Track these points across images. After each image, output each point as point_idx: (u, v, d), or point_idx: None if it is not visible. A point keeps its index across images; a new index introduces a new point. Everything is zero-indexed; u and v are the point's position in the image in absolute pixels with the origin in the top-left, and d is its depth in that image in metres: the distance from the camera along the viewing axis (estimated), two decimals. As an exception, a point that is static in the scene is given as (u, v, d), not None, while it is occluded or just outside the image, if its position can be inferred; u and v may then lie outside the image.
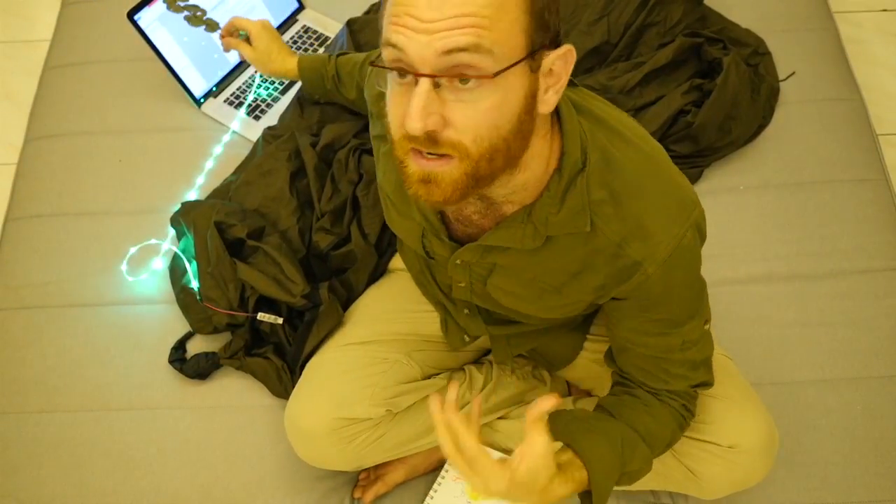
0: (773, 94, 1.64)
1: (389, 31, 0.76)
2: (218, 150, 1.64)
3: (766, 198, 1.54)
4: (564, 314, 1.08)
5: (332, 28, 1.78)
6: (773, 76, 1.66)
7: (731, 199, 1.55)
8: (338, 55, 1.43)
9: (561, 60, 0.81)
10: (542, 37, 0.79)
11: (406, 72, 0.77)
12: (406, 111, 0.76)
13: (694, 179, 1.56)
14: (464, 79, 0.75)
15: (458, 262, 1.03)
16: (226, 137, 1.65)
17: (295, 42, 1.76)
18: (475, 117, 0.77)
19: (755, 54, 1.66)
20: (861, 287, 1.44)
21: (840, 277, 1.45)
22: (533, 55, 0.78)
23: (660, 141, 1.52)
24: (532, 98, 0.81)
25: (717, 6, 1.71)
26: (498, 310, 1.12)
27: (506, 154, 0.81)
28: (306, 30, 1.78)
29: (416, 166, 0.81)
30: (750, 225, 1.52)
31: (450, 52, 0.74)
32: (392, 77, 0.80)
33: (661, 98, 1.56)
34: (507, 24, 0.75)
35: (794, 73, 1.68)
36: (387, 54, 0.78)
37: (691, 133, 1.52)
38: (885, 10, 2.15)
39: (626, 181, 0.91)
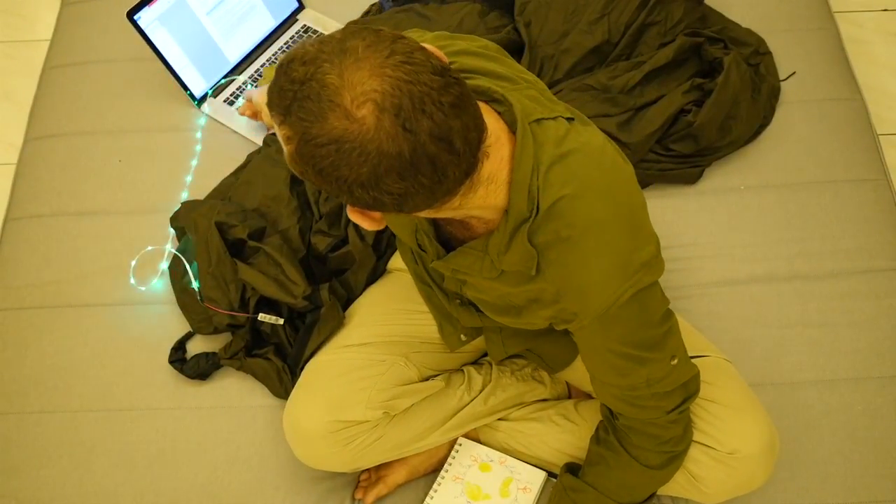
0: (774, 93, 1.64)
1: None
2: (217, 149, 1.63)
3: (766, 198, 1.54)
4: (534, 327, 1.09)
5: (331, 28, 1.77)
6: (774, 76, 1.66)
7: (731, 199, 1.54)
8: None
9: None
10: None
11: None
12: None
13: (694, 179, 1.56)
14: None
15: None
16: (225, 137, 1.65)
17: (294, 42, 1.76)
18: None
19: (756, 54, 1.66)
20: (862, 287, 1.44)
21: (841, 277, 1.45)
22: None
23: (660, 141, 1.54)
24: None
25: (718, 6, 1.71)
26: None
27: None
28: (306, 29, 1.78)
29: None
30: (750, 225, 1.52)
31: None
32: None
33: (662, 97, 1.55)
34: None
35: (794, 72, 1.67)
36: None
37: (692, 132, 1.52)
38: (885, 10, 2.15)
39: (572, 232, 0.91)
